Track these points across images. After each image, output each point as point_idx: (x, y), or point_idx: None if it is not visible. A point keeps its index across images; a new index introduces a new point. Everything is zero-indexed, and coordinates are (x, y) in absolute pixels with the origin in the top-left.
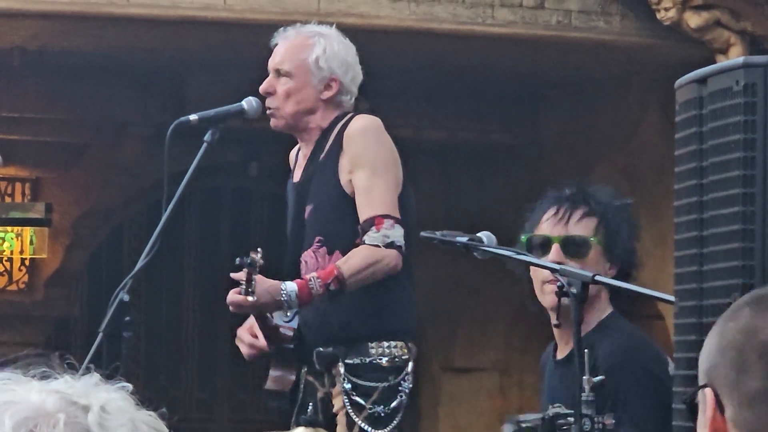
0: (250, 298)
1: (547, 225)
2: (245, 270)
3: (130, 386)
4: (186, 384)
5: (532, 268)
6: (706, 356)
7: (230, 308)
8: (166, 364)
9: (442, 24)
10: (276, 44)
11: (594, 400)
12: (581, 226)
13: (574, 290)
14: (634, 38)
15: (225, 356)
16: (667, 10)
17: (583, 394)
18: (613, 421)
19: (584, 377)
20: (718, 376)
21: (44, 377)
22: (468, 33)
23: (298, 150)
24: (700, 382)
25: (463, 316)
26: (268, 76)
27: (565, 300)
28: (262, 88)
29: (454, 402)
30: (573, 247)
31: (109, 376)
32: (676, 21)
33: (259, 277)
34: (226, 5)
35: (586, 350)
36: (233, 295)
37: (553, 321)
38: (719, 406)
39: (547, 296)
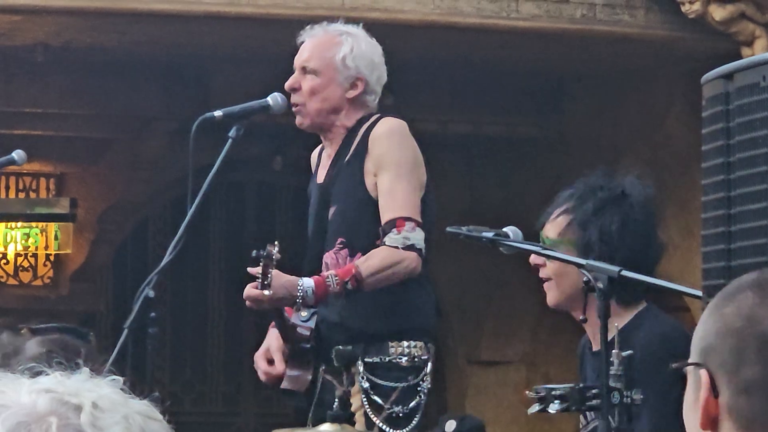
0: (266, 292)
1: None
2: (261, 263)
3: (121, 379)
4: (212, 378)
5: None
6: (702, 335)
7: (246, 303)
8: (191, 358)
9: (466, 18)
10: (302, 42)
11: (623, 375)
12: (553, 226)
13: (600, 285)
14: (659, 31)
15: (250, 350)
16: (691, 3)
17: (611, 368)
18: (641, 396)
19: (613, 351)
20: (715, 360)
21: (35, 374)
22: (492, 27)
23: (321, 150)
24: (693, 359)
25: (489, 309)
26: (292, 71)
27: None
28: (287, 85)
29: (480, 395)
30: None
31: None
32: (701, 14)
33: (275, 272)
34: (250, 0)
35: (618, 342)
36: (249, 290)
37: (580, 317)
38: (713, 389)
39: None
